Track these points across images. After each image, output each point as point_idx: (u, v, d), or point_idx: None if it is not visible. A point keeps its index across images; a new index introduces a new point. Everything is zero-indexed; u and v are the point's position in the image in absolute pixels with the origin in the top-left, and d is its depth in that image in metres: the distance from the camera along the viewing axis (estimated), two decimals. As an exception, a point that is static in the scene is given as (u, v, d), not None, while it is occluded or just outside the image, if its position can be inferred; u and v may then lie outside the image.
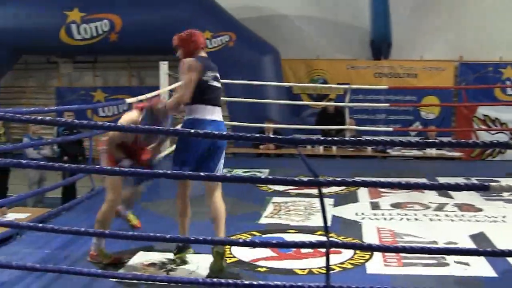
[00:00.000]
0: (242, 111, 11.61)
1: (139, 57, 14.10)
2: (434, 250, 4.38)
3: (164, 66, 9.92)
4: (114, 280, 4.32)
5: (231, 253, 5.10)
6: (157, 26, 12.08)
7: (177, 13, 12.29)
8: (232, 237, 5.52)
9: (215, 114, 4.90)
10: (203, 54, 5.05)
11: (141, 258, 5.00)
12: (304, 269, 4.76)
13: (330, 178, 3.60)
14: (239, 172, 8.65)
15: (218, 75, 5.06)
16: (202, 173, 4.10)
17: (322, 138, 4.38)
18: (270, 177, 3.88)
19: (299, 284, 3.49)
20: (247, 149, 11.50)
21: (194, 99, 4.85)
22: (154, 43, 11.94)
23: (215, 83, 4.98)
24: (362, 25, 13.55)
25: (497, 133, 13.27)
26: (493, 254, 4.28)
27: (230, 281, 3.95)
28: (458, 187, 3.50)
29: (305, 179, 3.53)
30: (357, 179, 3.67)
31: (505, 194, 7.12)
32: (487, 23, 13.48)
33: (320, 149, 10.71)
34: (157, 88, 9.60)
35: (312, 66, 13.63)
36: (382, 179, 7.83)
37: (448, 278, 4.64)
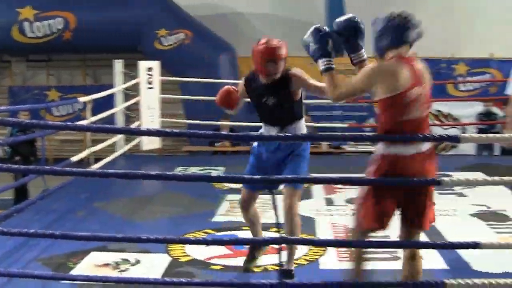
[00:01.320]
0: (198, 109, 11.58)
1: (94, 56, 13.97)
2: (386, 244, 4.45)
3: (118, 65, 9.86)
4: (67, 282, 4.27)
5: (185, 252, 5.09)
6: (112, 24, 12.00)
7: (133, 11, 12.23)
8: (186, 235, 5.53)
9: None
10: None
11: (94, 259, 4.95)
12: (259, 266, 4.75)
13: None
14: (194, 170, 8.63)
15: None
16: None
17: (274, 134, 4.33)
18: (223, 175, 3.88)
19: (253, 282, 3.51)
20: (203, 147, 11.49)
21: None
22: (109, 41, 11.87)
23: None
24: (318, 22, 13.59)
25: (450, 128, 13.46)
26: (443, 247, 4.37)
27: (183, 279, 3.95)
28: (410, 182, 3.54)
29: (258, 177, 3.54)
30: (310, 176, 3.66)
31: (457, 188, 7.23)
32: (439, 20, 13.68)
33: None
34: (111, 87, 9.56)
35: (269, 64, 13.61)
36: (337, 175, 8.02)
37: (401, 272, 4.68)
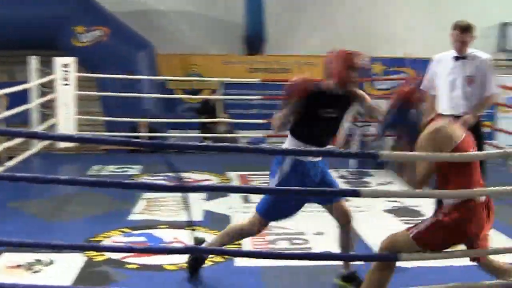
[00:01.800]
0: (116, 106, 11.46)
1: (9, 53, 13.61)
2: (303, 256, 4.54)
3: (34, 61, 9.69)
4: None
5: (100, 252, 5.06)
6: (27, 20, 11.73)
7: (49, 7, 11.98)
8: (102, 235, 5.52)
9: None
10: None
11: (6, 260, 4.86)
12: (174, 264, 4.77)
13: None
14: (111, 168, 8.58)
15: None
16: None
17: (181, 143, 4.33)
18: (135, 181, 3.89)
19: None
20: (120, 145, 11.37)
21: None
22: (24, 37, 11.60)
23: None
24: (236, 20, 13.72)
25: (365, 125, 13.75)
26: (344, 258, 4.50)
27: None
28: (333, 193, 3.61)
29: (170, 184, 3.57)
30: (223, 185, 3.67)
31: (373, 184, 7.45)
32: (359, 20, 14.03)
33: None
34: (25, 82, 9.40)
35: (188, 61, 13.59)
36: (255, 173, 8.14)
37: (315, 268, 4.79)
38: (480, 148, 4.63)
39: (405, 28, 14.07)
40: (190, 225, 3.71)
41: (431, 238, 3.66)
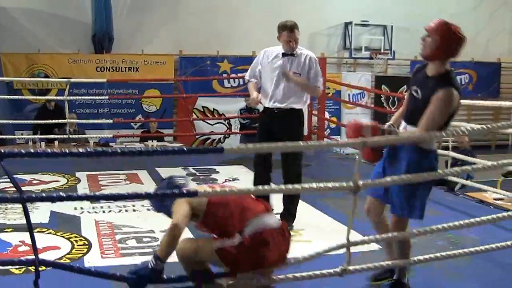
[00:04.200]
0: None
1: None
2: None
3: None
4: None
5: None
6: None
7: None
8: None
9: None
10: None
11: None
12: (20, 268, 4.69)
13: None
14: None
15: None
16: None
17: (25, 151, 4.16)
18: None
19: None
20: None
21: None
22: None
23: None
24: (84, 19, 13.63)
25: (216, 123, 14.10)
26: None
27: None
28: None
29: (9, 196, 3.55)
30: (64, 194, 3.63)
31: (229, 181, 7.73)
32: (204, 19, 14.31)
33: (43, 146, 10.42)
34: None
35: (34, 60, 13.36)
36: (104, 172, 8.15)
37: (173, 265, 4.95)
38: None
39: (252, 29, 14.52)
40: (34, 248, 3.63)
41: (232, 257, 3.75)
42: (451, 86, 3.96)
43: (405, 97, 4.45)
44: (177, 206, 3.73)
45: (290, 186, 3.49)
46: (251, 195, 4.03)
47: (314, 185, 3.54)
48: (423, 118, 3.99)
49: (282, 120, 5.96)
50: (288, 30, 5.88)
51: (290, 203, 6.06)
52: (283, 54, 5.97)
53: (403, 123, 4.26)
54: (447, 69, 4.06)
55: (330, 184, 3.50)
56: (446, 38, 3.97)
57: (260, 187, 3.92)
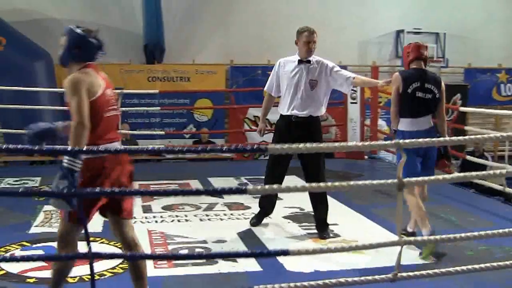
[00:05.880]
0: (15, 118, 11.23)
1: None
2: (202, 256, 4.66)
3: None
4: None
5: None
6: None
7: None
8: (1, 249, 5.48)
9: (414, 125, 5.54)
10: (414, 65, 5.70)
11: None
12: (75, 277, 4.76)
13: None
14: (10, 181, 8.47)
15: (431, 86, 5.58)
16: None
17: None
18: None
19: None
20: (20, 156, 11.20)
21: (400, 111, 5.57)
22: None
23: (421, 94, 5.55)
24: (135, 30, 13.76)
25: (267, 133, 14.01)
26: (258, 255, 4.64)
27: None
28: (222, 191, 3.74)
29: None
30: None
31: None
32: (254, 29, 14.32)
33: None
34: None
35: (87, 70, 13.47)
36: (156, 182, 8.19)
37: (217, 275, 4.93)
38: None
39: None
40: (88, 241, 3.69)
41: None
42: None
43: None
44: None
45: (336, 184, 3.44)
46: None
47: (360, 182, 3.54)
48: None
49: (301, 128, 6.04)
50: (308, 32, 6.06)
51: (322, 213, 6.16)
52: (299, 61, 6.09)
53: None
54: None
55: (375, 181, 3.52)
56: None
57: (314, 184, 3.90)
